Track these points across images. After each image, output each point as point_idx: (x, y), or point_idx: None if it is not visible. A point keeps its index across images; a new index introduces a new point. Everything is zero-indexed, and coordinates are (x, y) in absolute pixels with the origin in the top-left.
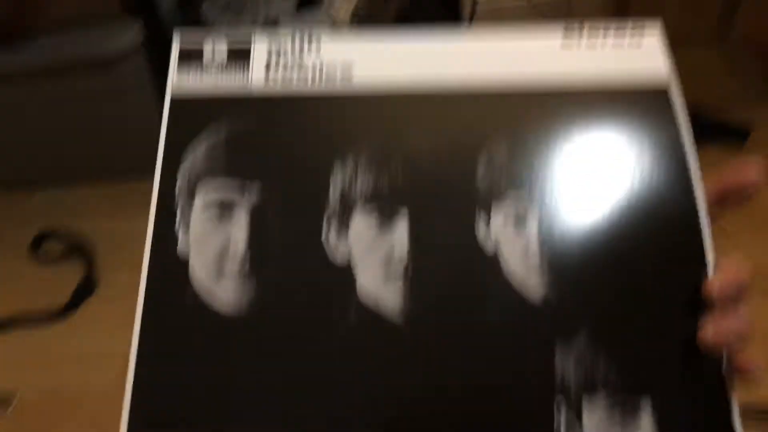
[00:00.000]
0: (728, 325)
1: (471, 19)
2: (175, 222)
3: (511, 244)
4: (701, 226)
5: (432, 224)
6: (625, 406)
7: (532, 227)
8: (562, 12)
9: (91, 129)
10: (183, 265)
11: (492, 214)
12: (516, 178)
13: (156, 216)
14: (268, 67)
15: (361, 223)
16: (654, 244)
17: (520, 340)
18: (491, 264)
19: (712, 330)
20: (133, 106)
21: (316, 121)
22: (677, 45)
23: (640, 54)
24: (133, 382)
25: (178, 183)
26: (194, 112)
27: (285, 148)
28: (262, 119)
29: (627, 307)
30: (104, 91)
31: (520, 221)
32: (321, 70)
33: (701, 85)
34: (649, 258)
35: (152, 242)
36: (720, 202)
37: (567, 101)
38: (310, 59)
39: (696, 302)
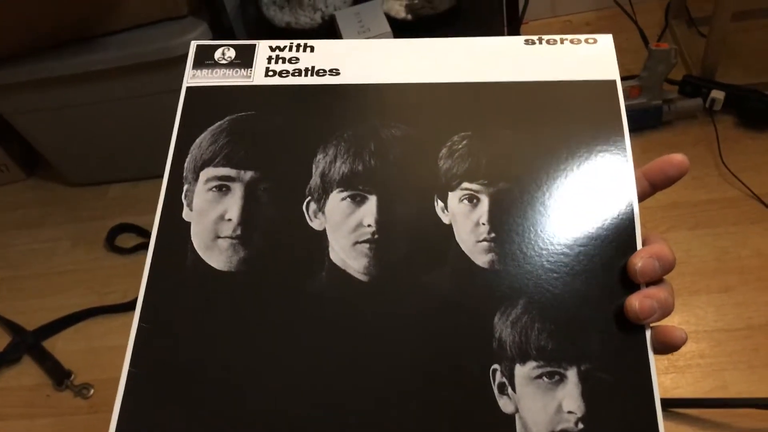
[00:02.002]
0: (652, 295)
1: (525, 5)
2: (182, 193)
3: (464, 216)
4: (633, 210)
5: (397, 202)
6: (553, 376)
7: (484, 204)
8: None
9: (161, 125)
10: (186, 228)
11: (449, 192)
12: (473, 161)
13: (167, 187)
14: (269, 61)
15: (336, 201)
16: (591, 224)
17: (466, 300)
18: (445, 231)
19: (637, 301)
20: None
21: (305, 108)
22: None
23: (593, 56)
24: (139, 321)
25: (187, 160)
26: (204, 100)
27: (277, 132)
28: (259, 105)
29: (562, 282)
30: (174, 88)
31: (473, 198)
32: (313, 66)
33: (766, 62)
34: (585, 236)
35: (162, 209)
36: (651, 183)
37: (525, 90)
38: (305, 58)
39: (626, 279)
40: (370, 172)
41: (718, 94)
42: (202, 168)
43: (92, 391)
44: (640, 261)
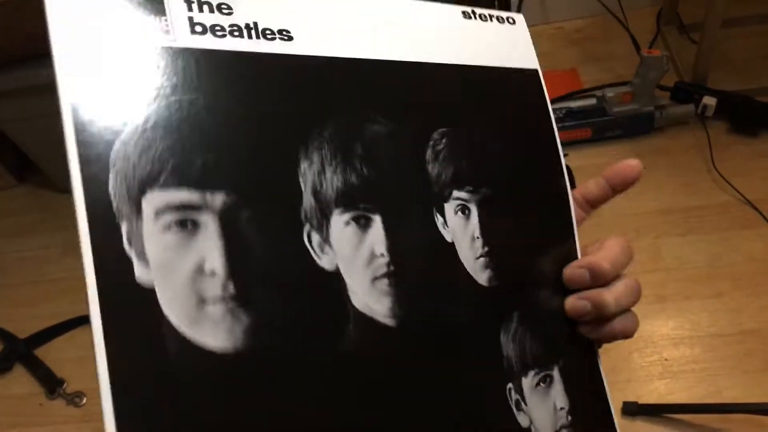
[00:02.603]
0: (586, 296)
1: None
2: (122, 242)
3: (462, 231)
4: (570, 215)
5: (401, 220)
6: (546, 379)
7: (474, 215)
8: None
9: None
10: (147, 297)
11: (444, 204)
12: (457, 165)
13: (92, 239)
14: (189, 7)
15: (341, 227)
16: (543, 229)
17: (477, 325)
18: (451, 252)
19: (569, 301)
20: None
21: (265, 89)
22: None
23: (515, 38)
24: None
25: (112, 182)
26: (107, 74)
27: (239, 126)
28: (196, 83)
29: (540, 287)
30: None
31: (465, 209)
32: (255, 23)
33: (756, 69)
34: (548, 243)
35: (97, 274)
36: (612, 187)
37: (475, 78)
38: (240, 6)
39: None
40: (366, 183)
41: (709, 101)
42: (142, 191)
43: (85, 400)
44: (568, 271)
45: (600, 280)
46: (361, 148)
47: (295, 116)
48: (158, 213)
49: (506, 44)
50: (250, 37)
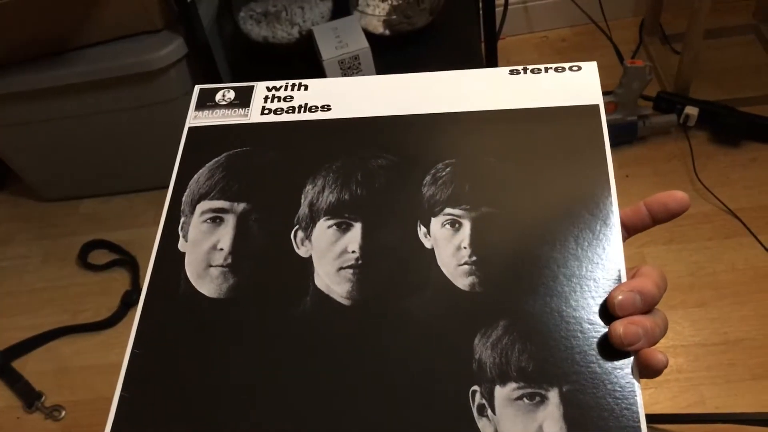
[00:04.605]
0: (638, 322)
1: (502, 21)
2: (179, 225)
3: (446, 241)
4: (616, 237)
5: (381, 228)
6: (534, 397)
7: (466, 228)
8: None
9: (135, 139)
10: (180, 258)
11: (432, 218)
12: (456, 187)
13: (165, 220)
14: (265, 100)
15: (323, 229)
16: (573, 249)
17: (447, 323)
18: (427, 256)
19: (621, 326)
20: (175, 116)
21: (296, 142)
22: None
23: (576, 82)
24: (132, 347)
25: (185, 194)
26: (204, 139)
27: (270, 165)
28: (253, 141)
29: (544, 304)
30: (148, 102)
31: (455, 223)
32: (306, 103)
33: (738, 79)
34: (567, 261)
35: (159, 240)
36: (652, 216)
37: (509, 118)
38: (299, 96)
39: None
40: (356, 200)
41: (691, 110)
42: (198, 201)
43: (64, 413)
44: (621, 295)
45: (649, 305)
46: (360, 175)
47: (313, 156)
48: (203, 213)
49: (562, 88)
50: (299, 112)
